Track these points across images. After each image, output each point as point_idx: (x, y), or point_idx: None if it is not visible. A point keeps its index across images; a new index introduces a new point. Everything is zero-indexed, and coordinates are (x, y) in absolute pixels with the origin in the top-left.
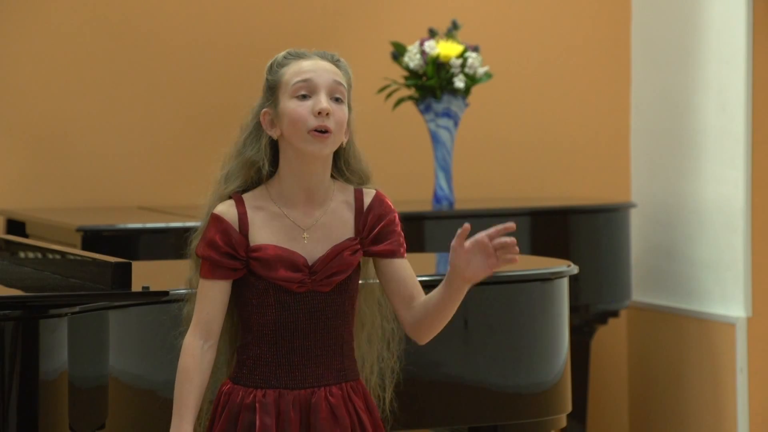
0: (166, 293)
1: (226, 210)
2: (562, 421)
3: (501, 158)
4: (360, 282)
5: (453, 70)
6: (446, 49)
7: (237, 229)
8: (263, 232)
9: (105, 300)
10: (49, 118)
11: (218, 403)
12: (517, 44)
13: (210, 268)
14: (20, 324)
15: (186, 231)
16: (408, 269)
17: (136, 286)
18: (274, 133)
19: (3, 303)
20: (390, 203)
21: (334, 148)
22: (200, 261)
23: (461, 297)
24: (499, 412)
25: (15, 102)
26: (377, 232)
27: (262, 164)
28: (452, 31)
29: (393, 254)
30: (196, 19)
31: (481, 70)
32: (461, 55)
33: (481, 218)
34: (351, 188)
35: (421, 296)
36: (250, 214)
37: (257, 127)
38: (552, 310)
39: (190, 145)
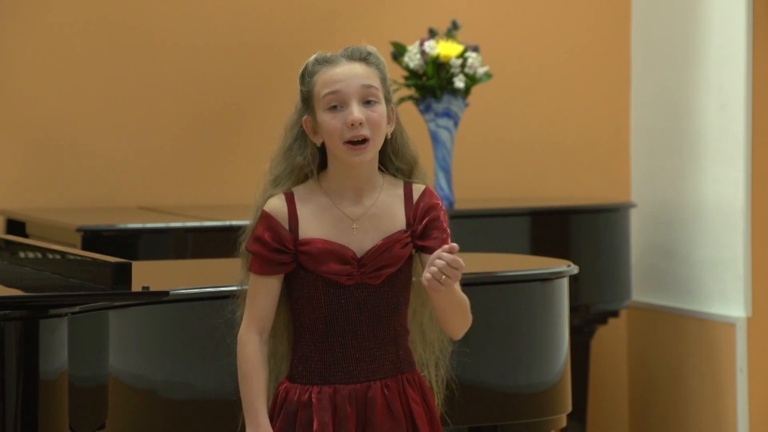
0: (166, 293)
1: (276, 206)
2: (562, 421)
3: (501, 158)
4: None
5: (453, 70)
6: (446, 49)
7: (286, 225)
8: (312, 225)
9: (105, 300)
10: (49, 119)
11: (276, 401)
12: (517, 44)
13: (260, 264)
14: (20, 324)
15: (186, 231)
16: None
17: (136, 286)
18: (317, 141)
19: (3, 303)
20: (438, 198)
21: (376, 152)
22: (250, 257)
23: (441, 300)
24: (499, 412)
25: (15, 102)
26: (424, 225)
27: (309, 171)
28: (452, 31)
29: (432, 249)
30: (196, 20)
31: (481, 70)
32: (461, 55)
33: (481, 218)
34: (401, 182)
35: None
36: (300, 208)
37: (302, 136)
38: (552, 310)
39: (190, 146)
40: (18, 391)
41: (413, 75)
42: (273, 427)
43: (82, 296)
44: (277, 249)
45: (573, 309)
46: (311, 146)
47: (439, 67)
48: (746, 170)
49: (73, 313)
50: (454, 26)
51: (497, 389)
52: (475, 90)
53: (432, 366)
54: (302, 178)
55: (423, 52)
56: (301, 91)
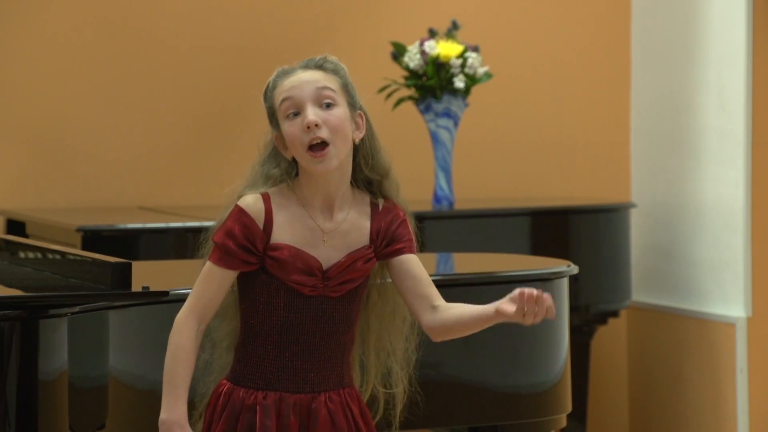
0: (166, 293)
1: (252, 204)
2: (562, 421)
3: (501, 158)
4: (388, 281)
5: (453, 70)
6: (446, 49)
7: (260, 225)
8: (285, 232)
9: (105, 300)
10: (50, 119)
11: (216, 403)
12: (517, 44)
13: (221, 256)
14: (20, 324)
15: (186, 231)
16: (419, 266)
17: (136, 286)
18: (289, 155)
19: (3, 303)
20: (399, 207)
21: (341, 157)
22: (212, 246)
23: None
24: (499, 412)
25: (15, 102)
26: (390, 236)
27: (287, 183)
28: (452, 31)
29: (401, 251)
30: (196, 21)
31: (481, 70)
32: (461, 55)
33: (481, 218)
34: (367, 198)
35: (438, 297)
36: (275, 211)
37: (276, 152)
38: None
39: (190, 146)
40: (18, 391)
41: (413, 75)
42: (214, 429)
43: (82, 296)
44: (245, 247)
45: (573, 309)
46: (285, 161)
47: (439, 67)
48: (746, 170)
49: (73, 313)
50: (454, 26)
51: (497, 389)
52: (475, 90)
53: (395, 374)
54: (276, 185)
55: (423, 52)
56: (266, 108)
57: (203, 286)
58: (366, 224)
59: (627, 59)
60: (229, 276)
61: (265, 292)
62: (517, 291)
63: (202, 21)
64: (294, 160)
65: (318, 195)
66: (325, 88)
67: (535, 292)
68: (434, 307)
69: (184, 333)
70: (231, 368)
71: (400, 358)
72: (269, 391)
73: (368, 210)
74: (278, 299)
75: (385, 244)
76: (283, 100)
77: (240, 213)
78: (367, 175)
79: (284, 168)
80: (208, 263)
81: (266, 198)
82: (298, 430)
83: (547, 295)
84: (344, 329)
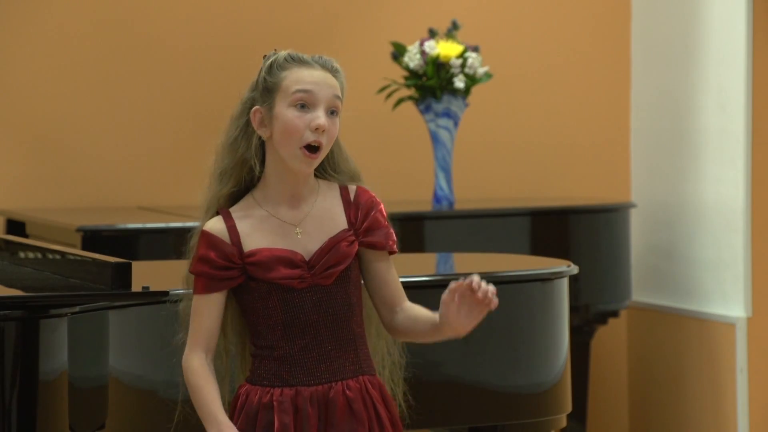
0: (166, 293)
1: (214, 225)
2: (562, 421)
3: (501, 158)
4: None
5: (453, 70)
6: (446, 49)
7: (228, 240)
8: (255, 237)
9: (105, 300)
10: (49, 119)
11: (236, 404)
12: (517, 44)
13: (205, 284)
14: (20, 324)
15: (186, 231)
16: (392, 272)
17: (136, 286)
18: (264, 133)
19: (3, 303)
20: (373, 195)
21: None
22: (192, 278)
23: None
24: (499, 412)
25: (15, 102)
26: (368, 223)
27: (253, 163)
28: (452, 31)
29: (383, 247)
30: (196, 21)
31: (481, 70)
32: (461, 55)
33: (481, 218)
34: (336, 185)
35: (403, 300)
36: (238, 224)
37: (248, 124)
38: (552, 310)
39: (190, 146)
40: (18, 391)
41: (413, 75)
42: None
43: (82, 296)
44: (224, 266)
45: (573, 309)
46: (256, 139)
47: (439, 67)
48: (746, 170)
49: (73, 313)
50: (454, 26)
51: (497, 389)
52: (475, 90)
53: (384, 379)
54: (245, 175)
55: (423, 52)
56: (265, 79)
57: (197, 320)
58: (339, 210)
59: (627, 59)
60: (218, 299)
61: (258, 298)
62: (444, 309)
63: (201, 21)
64: (264, 141)
65: (285, 190)
66: (338, 97)
67: (461, 290)
68: (392, 311)
69: (194, 365)
70: (249, 372)
71: (387, 363)
72: (285, 388)
73: (338, 196)
74: (272, 300)
75: (364, 230)
76: (299, 90)
77: (207, 237)
78: (338, 178)
79: (253, 149)
80: (195, 296)
81: (226, 214)
82: (317, 421)
83: (468, 282)
84: (348, 316)
